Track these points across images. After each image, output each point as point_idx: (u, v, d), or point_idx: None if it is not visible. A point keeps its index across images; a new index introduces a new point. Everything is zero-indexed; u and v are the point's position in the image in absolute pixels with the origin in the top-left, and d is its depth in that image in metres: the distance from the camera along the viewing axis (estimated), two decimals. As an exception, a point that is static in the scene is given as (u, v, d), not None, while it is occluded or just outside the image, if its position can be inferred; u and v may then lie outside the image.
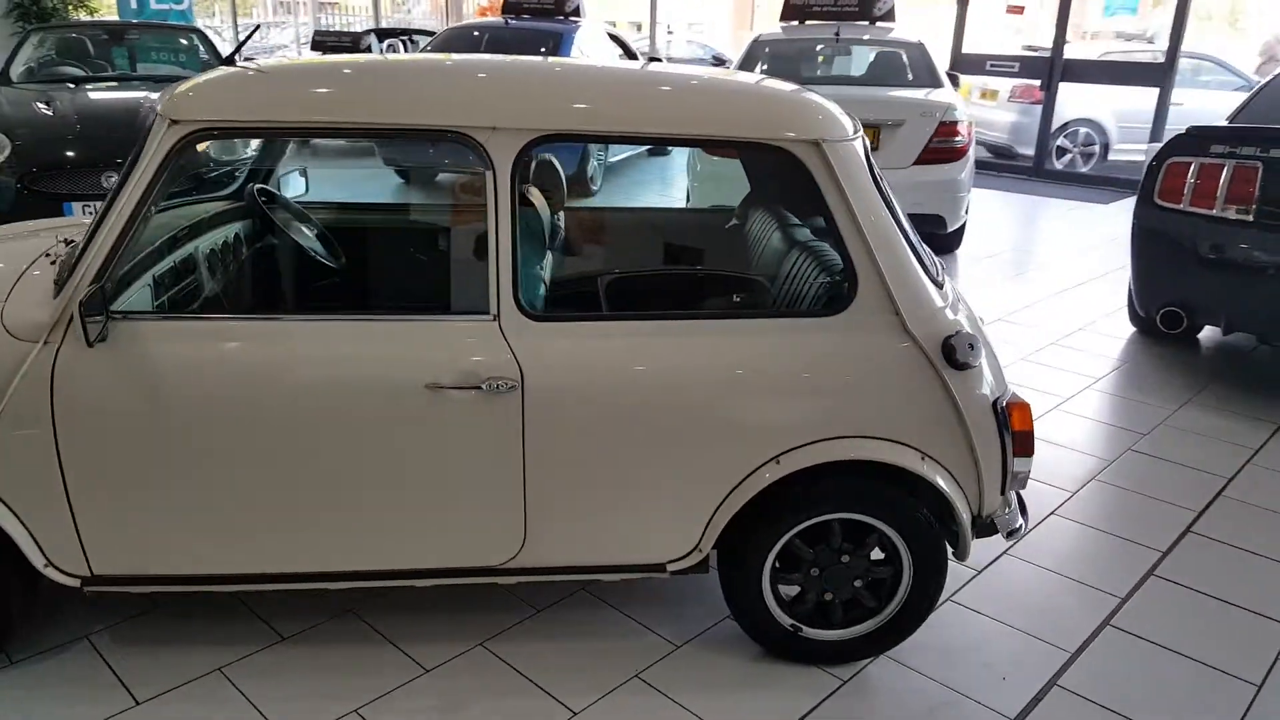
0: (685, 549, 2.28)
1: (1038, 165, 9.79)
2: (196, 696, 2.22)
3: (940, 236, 6.41)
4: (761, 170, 3.01)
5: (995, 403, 2.26)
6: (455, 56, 2.44)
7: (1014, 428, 2.28)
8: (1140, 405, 4.12)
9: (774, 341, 2.18)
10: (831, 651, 2.41)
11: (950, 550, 2.33)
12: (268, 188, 2.94)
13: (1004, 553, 2.95)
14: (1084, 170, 9.89)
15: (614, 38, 9.54)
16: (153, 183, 2.04)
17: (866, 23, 7.00)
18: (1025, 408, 2.29)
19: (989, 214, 7.97)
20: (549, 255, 2.49)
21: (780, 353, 2.17)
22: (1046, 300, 5.63)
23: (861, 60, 7.18)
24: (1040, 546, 3.01)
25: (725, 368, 2.16)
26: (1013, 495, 2.44)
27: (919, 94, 6.07)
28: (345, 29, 11.52)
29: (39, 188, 5.04)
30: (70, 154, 5.15)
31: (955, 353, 2.18)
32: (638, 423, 2.15)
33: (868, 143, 2.50)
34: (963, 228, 6.53)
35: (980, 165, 10.21)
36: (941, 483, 2.24)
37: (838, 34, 6.82)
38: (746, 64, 6.74)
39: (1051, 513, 3.21)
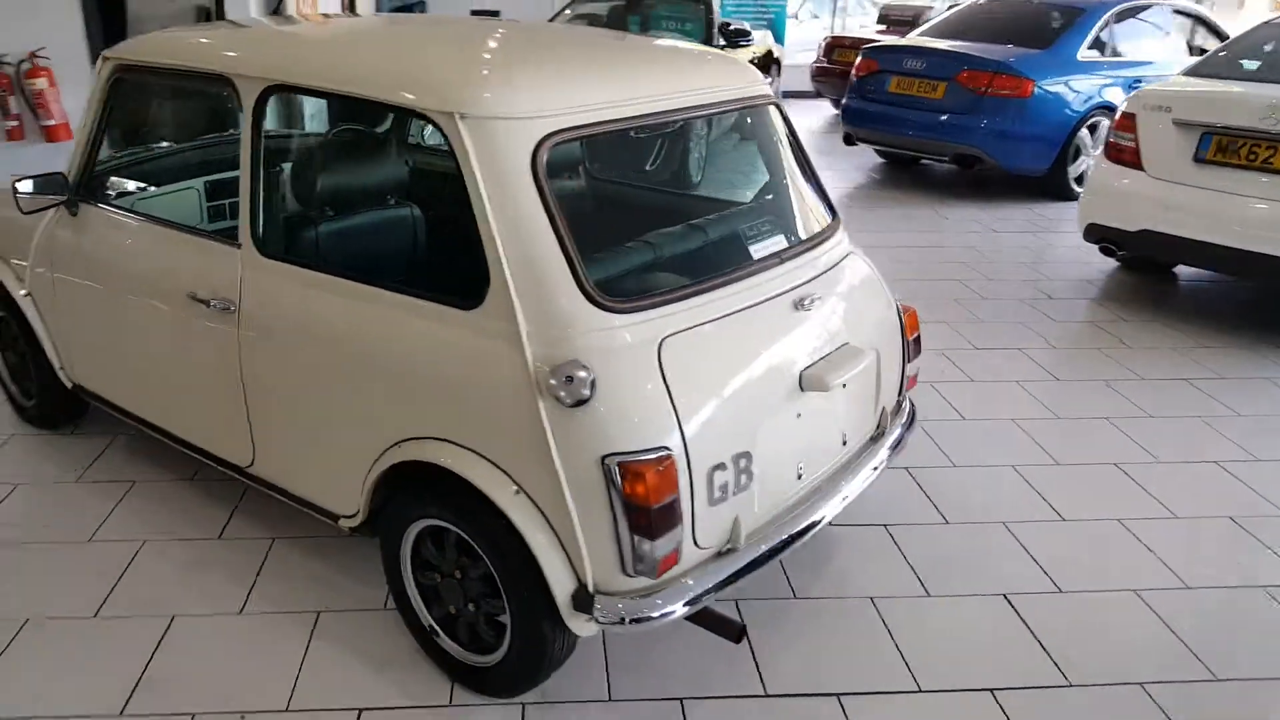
0: (352, 509, 2.29)
1: None
2: (97, 490, 2.96)
3: None
4: None
5: (605, 458, 1.82)
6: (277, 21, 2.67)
7: (629, 497, 1.81)
8: None
9: (415, 326, 2.05)
10: (463, 670, 2.22)
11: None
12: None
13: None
14: None
15: (1192, 15, 7.80)
16: (100, 107, 2.72)
17: None
18: (651, 475, 1.80)
19: None
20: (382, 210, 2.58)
21: (416, 339, 2.05)
22: None
23: None
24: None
25: (373, 341, 2.12)
26: (684, 584, 1.93)
27: None
28: (911, 3, 11.21)
29: None
30: None
31: (547, 380, 1.82)
32: (313, 374, 2.24)
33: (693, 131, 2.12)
34: None
35: None
36: (527, 528, 1.90)
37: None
38: (1224, 52, 5.08)
39: None
